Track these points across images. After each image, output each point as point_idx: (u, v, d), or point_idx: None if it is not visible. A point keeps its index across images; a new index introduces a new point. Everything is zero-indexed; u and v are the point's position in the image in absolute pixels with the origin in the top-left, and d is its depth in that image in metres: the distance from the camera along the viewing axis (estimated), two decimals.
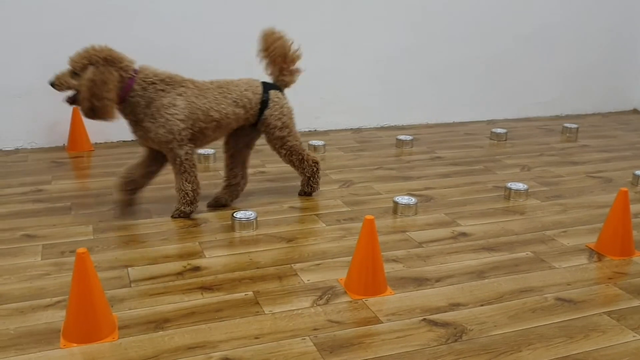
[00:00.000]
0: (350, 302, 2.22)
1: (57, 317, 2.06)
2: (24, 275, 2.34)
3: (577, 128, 4.69)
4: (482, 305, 2.21)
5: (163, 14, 4.01)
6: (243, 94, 2.89)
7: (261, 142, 4.20)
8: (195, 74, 2.90)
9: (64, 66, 2.67)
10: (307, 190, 3.23)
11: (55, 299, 2.17)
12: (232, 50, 4.13)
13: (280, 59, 3.01)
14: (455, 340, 2.00)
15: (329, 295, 2.25)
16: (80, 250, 1.87)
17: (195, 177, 2.87)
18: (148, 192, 3.23)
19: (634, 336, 2.03)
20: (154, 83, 2.71)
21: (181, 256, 2.53)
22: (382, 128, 4.75)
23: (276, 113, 2.98)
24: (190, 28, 4.10)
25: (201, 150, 3.80)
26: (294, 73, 3.10)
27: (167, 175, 3.50)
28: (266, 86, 2.99)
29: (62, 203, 3.07)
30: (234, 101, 2.87)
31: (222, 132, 2.93)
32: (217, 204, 3.06)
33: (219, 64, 4.00)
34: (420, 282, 2.38)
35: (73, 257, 1.88)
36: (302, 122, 4.51)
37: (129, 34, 3.84)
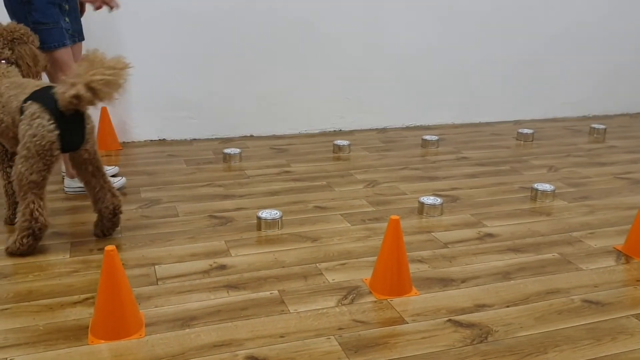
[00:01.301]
0: (375, 302, 2.22)
1: (85, 314, 2.09)
2: (52, 272, 2.38)
3: (605, 129, 4.63)
4: (507, 307, 2.20)
5: None
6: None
7: (285, 141, 4.22)
8: None
9: None
10: None
11: (83, 296, 2.21)
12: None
13: None
14: (481, 342, 1.99)
15: (354, 295, 2.26)
16: (109, 247, 1.90)
17: None
18: (175, 190, 3.27)
19: None
20: None
21: (207, 254, 2.55)
22: (408, 128, 4.74)
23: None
24: None
25: (227, 150, 3.83)
26: None
27: (194, 174, 3.54)
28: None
29: (89, 201, 3.10)
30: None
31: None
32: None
33: None
34: (445, 282, 2.37)
35: (101, 254, 1.91)
36: (327, 122, 4.55)
37: None
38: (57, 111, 2.36)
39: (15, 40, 2.68)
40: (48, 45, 2.91)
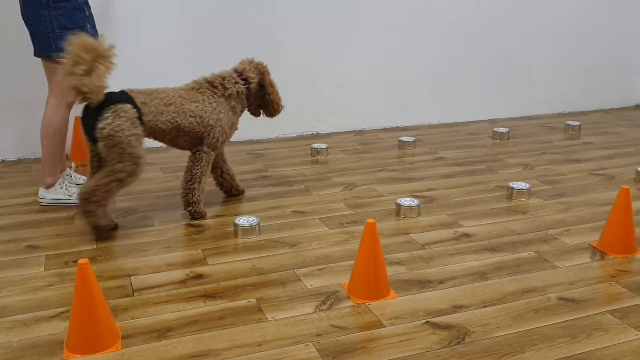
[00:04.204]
0: (353, 306, 2.22)
1: (60, 328, 2.07)
2: (27, 287, 2.35)
3: (580, 125, 4.68)
4: (484, 307, 2.21)
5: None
6: None
7: (263, 145, 4.21)
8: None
9: None
10: None
11: (58, 310, 2.18)
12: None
13: None
14: (458, 343, 2.00)
15: (332, 300, 2.25)
16: (82, 261, 1.88)
17: None
18: (150, 199, 3.25)
19: (636, 334, 2.03)
20: None
21: (184, 264, 2.54)
22: (385, 129, 4.75)
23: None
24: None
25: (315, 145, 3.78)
26: None
27: (170, 182, 3.52)
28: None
29: (65, 213, 3.08)
30: None
31: None
32: None
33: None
34: (423, 284, 2.38)
35: (76, 267, 1.88)
36: (305, 125, 4.55)
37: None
38: None
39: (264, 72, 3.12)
40: None
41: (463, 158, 4.01)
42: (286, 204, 3.21)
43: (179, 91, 2.91)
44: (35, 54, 3.06)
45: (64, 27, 2.92)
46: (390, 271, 2.44)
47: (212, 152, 2.98)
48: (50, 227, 2.92)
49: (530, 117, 5.15)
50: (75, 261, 2.50)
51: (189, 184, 2.98)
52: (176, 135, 2.89)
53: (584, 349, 1.96)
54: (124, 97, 2.68)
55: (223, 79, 2.98)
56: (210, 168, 3.04)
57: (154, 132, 2.83)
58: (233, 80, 2.99)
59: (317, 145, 4.10)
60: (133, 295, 2.29)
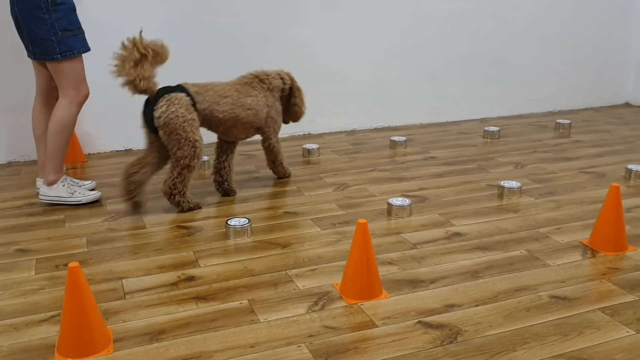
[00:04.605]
0: (346, 306, 2.22)
1: (51, 332, 2.06)
2: (17, 291, 2.34)
3: (570, 124, 4.70)
4: (476, 306, 2.21)
5: None
6: None
7: (254, 147, 4.20)
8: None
9: None
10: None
11: (49, 314, 2.17)
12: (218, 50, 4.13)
13: None
14: (451, 342, 2.00)
15: (325, 301, 2.25)
16: (72, 264, 1.87)
17: None
18: None
19: (627, 331, 2.04)
20: None
21: (175, 266, 2.53)
22: (376, 129, 4.75)
23: None
24: None
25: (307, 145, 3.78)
26: None
27: (159, 185, 3.50)
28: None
29: (55, 216, 3.06)
30: None
31: None
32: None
33: None
34: (415, 284, 2.38)
35: (67, 270, 1.87)
36: (297, 126, 4.54)
37: None
38: None
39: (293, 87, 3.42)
40: (76, 51, 3.00)
41: (454, 157, 4.01)
42: (278, 205, 3.20)
43: (234, 85, 3.18)
44: (35, 58, 3.05)
45: (65, 29, 2.94)
46: (383, 271, 2.44)
47: (275, 137, 3.38)
48: (41, 230, 2.90)
49: (520, 116, 5.17)
50: (66, 264, 2.48)
51: (276, 164, 3.50)
52: (232, 126, 3.15)
53: (575, 346, 1.97)
54: (177, 88, 2.98)
55: (267, 75, 3.29)
56: (280, 147, 3.45)
57: (209, 121, 3.09)
58: (277, 76, 3.33)
59: (308, 146, 4.10)
60: (124, 298, 2.28)
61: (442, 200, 3.25)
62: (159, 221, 2.99)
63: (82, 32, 3.05)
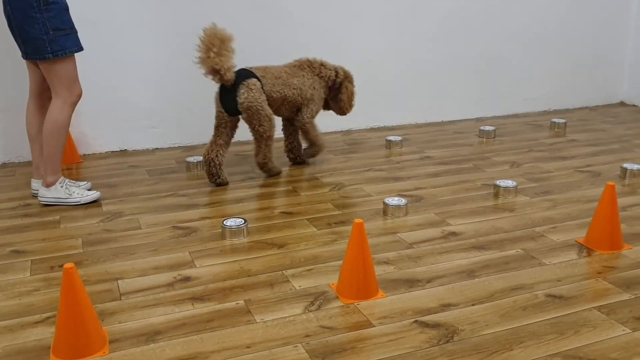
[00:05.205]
0: (342, 306, 2.22)
1: (46, 333, 2.05)
2: (12, 292, 2.33)
3: (565, 123, 4.71)
4: (473, 305, 2.21)
5: None
6: None
7: (250, 147, 4.20)
8: None
9: None
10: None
11: (45, 315, 2.16)
12: None
13: None
14: (447, 341, 2.00)
15: (321, 301, 2.25)
16: (67, 265, 1.86)
17: None
18: (137, 202, 3.23)
19: (623, 330, 2.04)
20: None
21: (171, 267, 2.52)
22: (372, 129, 4.75)
23: None
24: None
25: (190, 158, 3.79)
26: None
27: (156, 185, 3.50)
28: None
29: (51, 217, 3.05)
30: None
31: None
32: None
33: None
34: (411, 283, 2.38)
35: (62, 271, 1.86)
36: None
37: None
38: None
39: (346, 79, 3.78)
40: (68, 51, 2.98)
41: (450, 157, 4.02)
42: (274, 205, 3.20)
43: (284, 68, 3.58)
44: (26, 57, 3.04)
45: (57, 28, 2.92)
46: (379, 271, 2.44)
47: (312, 120, 3.67)
48: (36, 231, 2.89)
49: (516, 115, 5.18)
50: (61, 265, 2.49)
51: (311, 148, 3.81)
52: (281, 105, 3.52)
53: (571, 345, 1.97)
54: (248, 73, 3.37)
55: (322, 64, 3.67)
56: (316, 129, 3.73)
57: (267, 101, 3.43)
58: (332, 69, 3.69)
59: (305, 146, 4.09)
60: (120, 299, 2.27)
61: (438, 200, 3.25)
62: (154, 222, 2.98)
63: (75, 32, 3.03)
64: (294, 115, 3.65)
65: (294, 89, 3.51)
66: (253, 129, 3.41)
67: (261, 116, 3.34)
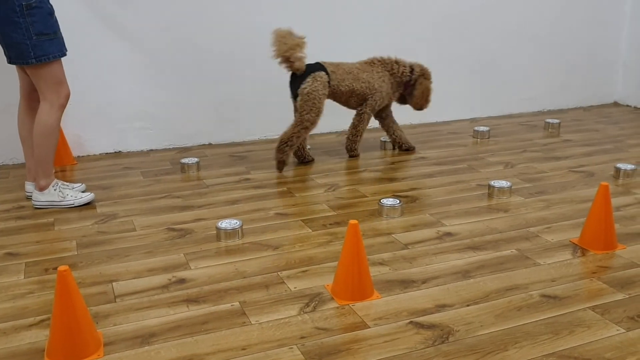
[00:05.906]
0: (337, 308, 2.22)
1: (41, 336, 2.04)
2: (6, 295, 2.32)
3: (559, 123, 4.72)
4: (468, 306, 2.22)
5: None
6: None
7: (244, 148, 4.20)
8: None
9: None
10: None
11: (39, 318, 2.15)
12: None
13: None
14: (442, 342, 2.00)
15: (316, 302, 2.25)
16: (62, 267, 1.85)
17: None
18: (131, 204, 3.22)
19: (617, 330, 2.05)
20: None
21: (166, 269, 2.52)
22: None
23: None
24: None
25: (184, 159, 3.79)
26: None
27: (151, 186, 3.49)
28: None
29: (45, 219, 3.04)
30: None
31: None
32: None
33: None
34: (406, 284, 2.38)
35: (56, 274, 1.86)
36: (287, 126, 4.53)
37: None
38: None
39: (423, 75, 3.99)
40: (51, 56, 2.94)
41: (444, 157, 4.02)
42: (269, 206, 3.20)
43: (357, 64, 3.89)
44: (10, 62, 3.02)
45: (40, 33, 2.88)
46: (374, 272, 2.44)
47: (371, 113, 3.92)
48: (30, 233, 2.88)
49: (510, 116, 5.19)
50: (56, 268, 2.48)
51: (354, 137, 4.00)
52: (349, 97, 3.84)
53: (566, 345, 1.97)
54: (319, 67, 3.69)
55: (397, 62, 3.94)
56: (367, 125, 3.99)
57: (335, 94, 3.80)
58: (403, 64, 3.94)
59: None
60: (115, 302, 2.27)
61: (432, 201, 3.25)
62: (149, 223, 2.97)
63: (59, 37, 2.99)
64: (361, 107, 3.93)
65: (362, 82, 3.80)
66: (300, 114, 3.63)
67: (314, 106, 3.61)
